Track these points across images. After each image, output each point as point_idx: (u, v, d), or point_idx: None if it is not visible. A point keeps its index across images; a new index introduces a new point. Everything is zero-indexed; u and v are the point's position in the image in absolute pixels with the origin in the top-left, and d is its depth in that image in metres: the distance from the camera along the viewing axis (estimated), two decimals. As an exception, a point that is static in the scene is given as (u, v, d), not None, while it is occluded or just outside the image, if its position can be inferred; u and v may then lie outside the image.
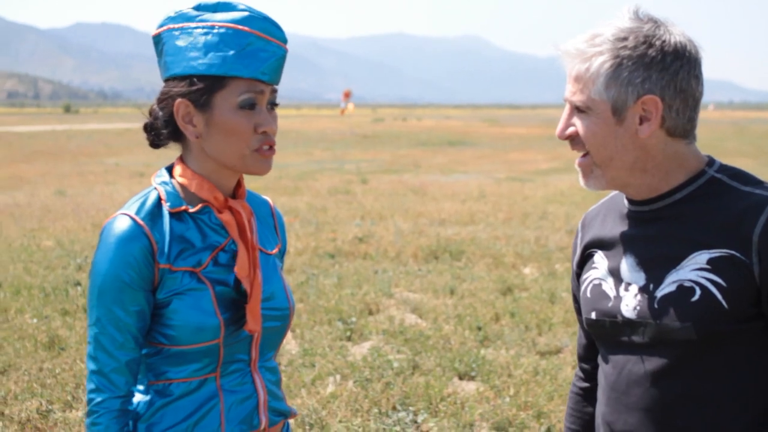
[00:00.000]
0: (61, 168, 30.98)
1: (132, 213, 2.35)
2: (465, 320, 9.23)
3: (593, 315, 2.46)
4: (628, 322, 2.36)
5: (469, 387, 7.24)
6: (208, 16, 2.35)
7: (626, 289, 2.39)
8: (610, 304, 2.41)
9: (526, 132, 63.05)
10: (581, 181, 2.42)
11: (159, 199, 2.41)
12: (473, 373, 7.53)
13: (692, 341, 2.25)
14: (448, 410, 6.54)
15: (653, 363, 2.32)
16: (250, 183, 24.10)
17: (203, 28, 2.33)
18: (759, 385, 2.28)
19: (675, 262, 2.31)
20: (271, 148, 2.40)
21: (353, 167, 31.28)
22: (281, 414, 2.57)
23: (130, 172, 29.07)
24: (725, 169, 2.39)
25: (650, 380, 2.32)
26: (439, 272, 11.97)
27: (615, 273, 2.43)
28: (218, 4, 2.37)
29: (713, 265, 2.25)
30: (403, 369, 7.51)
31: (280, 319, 2.52)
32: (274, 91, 2.41)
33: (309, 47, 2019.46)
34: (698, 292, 2.25)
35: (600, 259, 2.50)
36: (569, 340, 8.50)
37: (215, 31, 2.32)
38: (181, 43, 2.35)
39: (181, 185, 2.44)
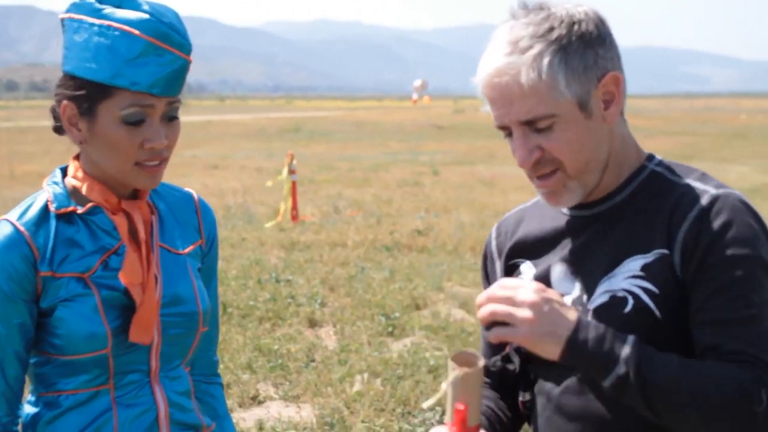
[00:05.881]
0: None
1: (13, 219, 2.19)
2: (511, 316, 8.98)
3: None
4: None
5: (505, 385, 7.02)
6: (109, 11, 2.13)
7: None
8: None
9: (606, 122, 62.10)
10: (551, 202, 2.11)
11: (47, 202, 2.24)
12: (510, 371, 7.29)
13: None
14: (477, 410, 6.33)
15: (590, 383, 2.02)
16: (318, 175, 24.07)
17: (99, 26, 2.12)
18: None
19: (608, 269, 2.05)
20: (160, 163, 2.20)
21: (427, 159, 31.03)
22: (190, 427, 2.38)
23: (205, 164, 29.13)
24: (663, 162, 2.15)
25: (586, 401, 2.04)
26: (495, 265, 11.70)
27: (544, 283, 2.13)
28: None
29: (647, 271, 2.00)
30: (439, 366, 7.31)
31: (185, 326, 2.32)
32: (172, 103, 2.19)
33: (394, 39, 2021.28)
34: (630, 302, 1.99)
35: (528, 269, 2.23)
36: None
37: (109, 32, 2.11)
38: (77, 38, 2.15)
39: (73, 186, 2.27)
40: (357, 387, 6.92)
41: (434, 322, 8.86)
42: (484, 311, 1.90)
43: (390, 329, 8.67)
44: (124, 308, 2.22)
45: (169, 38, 2.13)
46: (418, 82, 59.29)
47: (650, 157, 2.17)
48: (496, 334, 1.90)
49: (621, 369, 1.84)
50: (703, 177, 2.09)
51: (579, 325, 1.88)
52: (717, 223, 1.96)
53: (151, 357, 2.28)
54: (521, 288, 1.89)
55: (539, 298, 1.87)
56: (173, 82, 2.16)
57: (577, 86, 2.00)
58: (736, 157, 30.80)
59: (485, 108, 2.10)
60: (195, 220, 2.46)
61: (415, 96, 62.79)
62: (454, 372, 1.77)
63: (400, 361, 7.48)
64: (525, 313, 1.85)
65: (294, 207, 15.96)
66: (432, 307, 9.63)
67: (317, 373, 7.25)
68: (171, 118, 2.20)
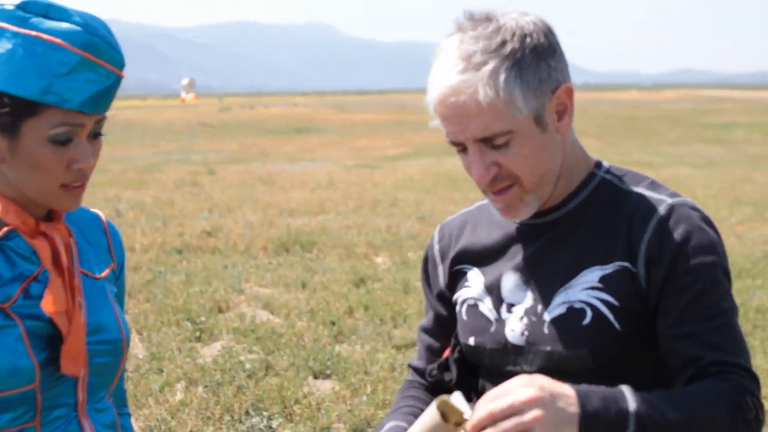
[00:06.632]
0: None
1: None
2: (318, 315, 8.99)
3: (471, 341, 2.17)
4: (515, 348, 2.08)
5: (325, 386, 7.00)
6: (36, 21, 1.93)
7: (509, 311, 2.11)
8: (492, 329, 2.12)
9: (373, 118, 62.73)
10: (507, 216, 2.08)
11: None
12: (328, 372, 7.28)
13: (589, 370, 1.98)
14: (304, 413, 6.27)
15: None
16: (91, 177, 23.43)
17: (25, 37, 1.91)
18: None
19: (564, 279, 2.04)
20: (83, 184, 2.05)
21: (200, 158, 30.61)
22: None
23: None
24: (612, 170, 2.16)
25: None
26: (290, 265, 11.70)
27: (494, 292, 2.14)
28: (51, 6, 1.96)
29: (606, 283, 2.00)
30: (256, 370, 7.21)
31: (111, 354, 2.17)
32: (100, 120, 2.03)
33: (155, 37, 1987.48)
34: (589, 314, 1.99)
35: (475, 276, 2.20)
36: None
37: (37, 44, 1.91)
38: None
39: None
40: (179, 396, 6.75)
41: (241, 325, 8.74)
42: None
43: (198, 334, 8.50)
44: (51, 338, 2.04)
45: (102, 52, 1.97)
46: (185, 81, 58.74)
47: (598, 164, 2.17)
48: None
49: (633, 424, 1.78)
50: (654, 185, 2.11)
51: (581, 397, 1.77)
52: (679, 233, 1.99)
53: (78, 389, 2.12)
54: (514, 389, 1.74)
55: (538, 390, 1.73)
56: (105, 98, 2.00)
57: (533, 101, 1.97)
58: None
59: (435, 123, 2.06)
60: (105, 243, 2.31)
61: (183, 95, 62.11)
62: (434, 417, 1.76)
63: (216, 366, 7.33)
64: (533, 413, 1.70)
65: (75, 211, 15.49)
66: (235, 309, 9.51)
67: (133, 383, 7.01)
68: (96, 135, 2.06)
